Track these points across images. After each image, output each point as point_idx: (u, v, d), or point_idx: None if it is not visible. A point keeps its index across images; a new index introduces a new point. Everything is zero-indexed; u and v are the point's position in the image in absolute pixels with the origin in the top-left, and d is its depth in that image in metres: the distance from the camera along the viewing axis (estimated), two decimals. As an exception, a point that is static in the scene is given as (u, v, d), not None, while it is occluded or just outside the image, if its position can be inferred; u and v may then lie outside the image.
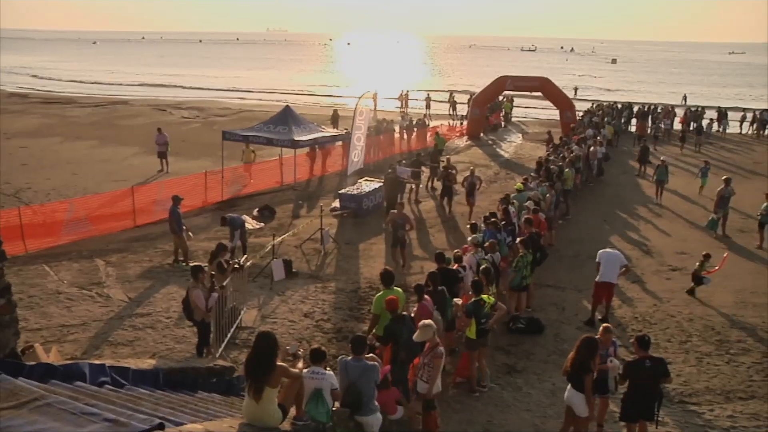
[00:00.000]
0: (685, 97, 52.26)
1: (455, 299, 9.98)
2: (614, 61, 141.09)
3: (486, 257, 12.08)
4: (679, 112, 41.91)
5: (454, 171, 20.88)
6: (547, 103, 39.49)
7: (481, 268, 11.06)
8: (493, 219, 13.90)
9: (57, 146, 31.58)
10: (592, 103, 45.48)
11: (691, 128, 38.61)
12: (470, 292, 10.04)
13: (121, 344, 11.15)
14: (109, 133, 35.89)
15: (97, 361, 8.04)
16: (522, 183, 18.22)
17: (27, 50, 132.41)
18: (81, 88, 65.56)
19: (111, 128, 38.12)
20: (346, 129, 27.61)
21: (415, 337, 8.46)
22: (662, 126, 37.46)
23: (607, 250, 12.83)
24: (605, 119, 36.12)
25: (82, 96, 56.65)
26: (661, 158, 23.27)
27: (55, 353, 9.69)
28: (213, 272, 11.08)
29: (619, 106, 42.98)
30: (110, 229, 17.89)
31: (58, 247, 16.29)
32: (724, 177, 19.21)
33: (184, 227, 15.52)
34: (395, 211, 15.82)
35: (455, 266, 11.43)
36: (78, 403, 5.65)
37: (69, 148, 31.07)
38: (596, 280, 12.56)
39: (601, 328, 8.77)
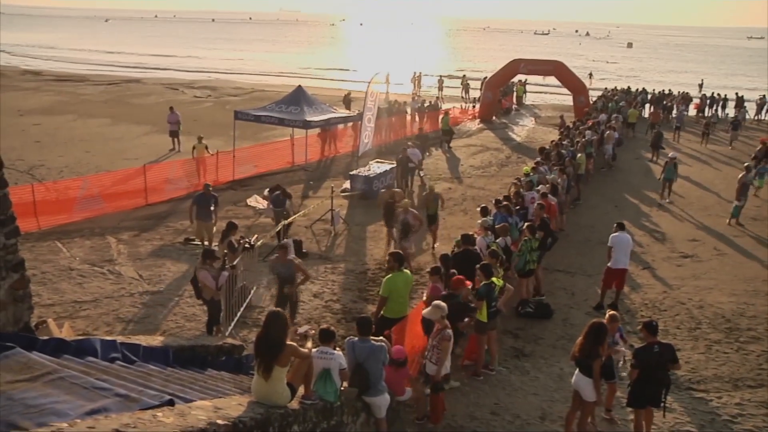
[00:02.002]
0: (701, 84, 51.61)
1: (466, 282, 9.95)
2: (630, 45, 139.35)
3: (497, 241, 12.07)
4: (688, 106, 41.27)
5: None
6: (561, 87, 39.16)
7: (488, 251, 11.05)
8: (505, 202, 13.88)
9: (70, 124, 31.71)
10: (605, 88, 45.04)
11: (707, 114, 38.30)
12: (477, 276, 10.02)
13: (132, 321, 11.25)
14: (122, 112, 35.98)
15: (108, 338, 8.13)
16: (533, 167, 18.16)
17: (39, 28, 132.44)
18: (94, 66, 65.61)
19: (123, 106, 38.22)
20: (358, 110, 27.53)
21: (424, 313, 8.53)
22: (676, 113, 37.08)
23: (618, 233, 12.68)
24: (621, 104, 35.83)
25: (95, 74, 56.74)
26: (670, 154, 21.39)
27: (68, 329, 9.78)
28: (224, 251, 11.12)
29: (634, 91, 42.58)
30: (122, 207, 17.98)
31: (71, 224, 16.40)
32: (746, 164, 18.97)
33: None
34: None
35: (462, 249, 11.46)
36: (90, 378, 5.72)
37: (82, 126, 31.18)
38: (609, 265, 12.49)
39: (607, 316, 8.74)
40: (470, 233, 11.88)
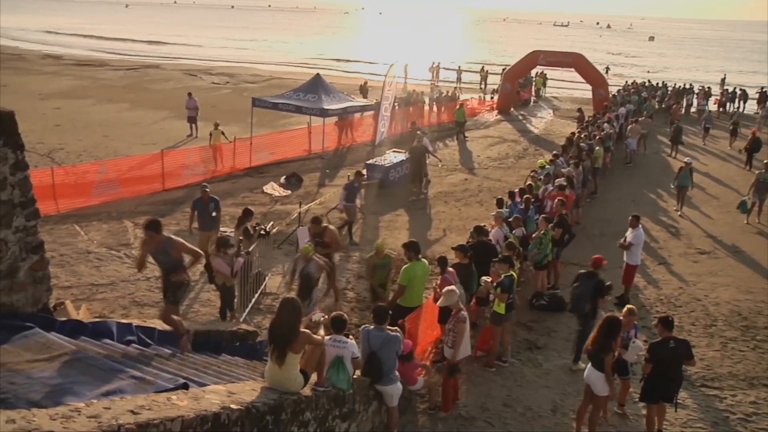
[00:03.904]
0: (723, 78, 50.86)
1: (483, 278, 9.95)
2: (652, 38, 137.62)
3: (512, 232, 12.06)
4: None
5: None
6: (580, 80, 38.82)
7: (505, 243, 11.04)
8: (527, 195, 13.88)
9: (89, 108, 31.93)
10: (626, 82, 44.56)
11: (728, 110, 37.81)
12: (494, 268, 10.01)
13: (148, 305, 11.35)
14: (140, 97, 36.17)
15: (124, 320, 8.22)
16: (550, 160, 18.07)
17: (62, 12, 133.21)
18: (113, 50, 65.95)
19: (142, 92, 38.42)
20: (376, 100, 27.50)
21: (439, 302, 8.58)
22: (695, 107, 36.67)
23: (639, 229, 12.63)
24: (642, 95, 35.52)
25: (115, 59, 57.05)
26: (686, 160, 19.65)
27: (85, 310, 9.90)
28: (240, 237, 11.17)
29: (654, 85, 42.11)
30: (139, 191, 18.11)
31: (89, 208, 16.55)
32: (766, 161, 18.70)
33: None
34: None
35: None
36: (106, 360, 5.79)
37: (101, 110, 31.39)
38: (630, 262, 12.45)
39: (625, 309, 8.70)
40: (483, 225, 11.88)
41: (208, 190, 12.72)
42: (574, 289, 10.04)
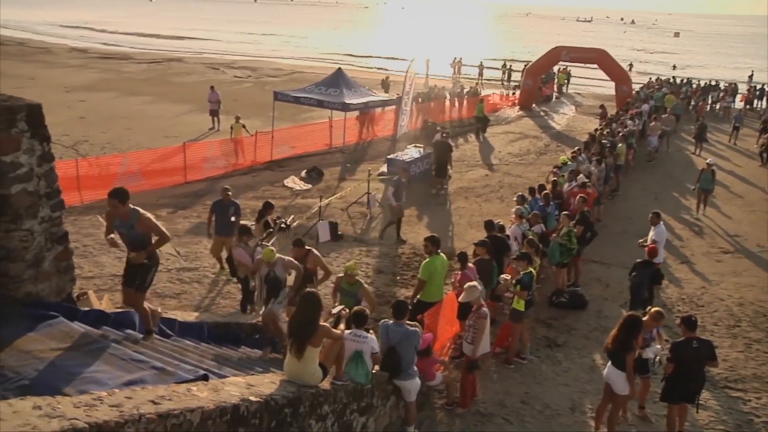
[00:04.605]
0: (751, 75, 49.99)
1: (502, 275, 9.93)
2: (677, 34, 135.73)
3: (531, 229, 12.00)
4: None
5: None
6: (603, 76, 38.44)
7: (525, 240, 10.99)
8: (546, 191, 13.80)
9: (113, 101, 32.27)
10: (649, 79, 44.01)
11: (755, 107, 37.22)
12: (513, 264, 9.99)
13: (169, 296, 11.45)
14: (163, 90, 36.48)
15: (145, 311, 8.30)
16: (572, 156, 17.93)
17: (88, 7, 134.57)
18: (137, 44, 66.51)
19: (165, 85, 38.74)
20: (397, 94, 27.48)
21: (460, 298, 8.57)
22: (721, 104, 36.12)
23: (660, 226, 12.51)
24: (662, 89, 35.09)
25: (139, 52, 57.55)
26: (708, 161, 18.81)
27: (107, 301, 10.01)
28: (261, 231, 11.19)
29: (678, 82, 41.56)
30: (161, 184, 18.28)
31: (112, 200, 16.69)
32: None
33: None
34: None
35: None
36: (128, 350, 5.86)
37: (124, 103, 31.72)
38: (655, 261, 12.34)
39: (653, 311, 8.51)
40: (492, 219, 11.88)
41: (230, 193, 12.04)
42: (632, 279, 10.62)
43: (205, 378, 5.45)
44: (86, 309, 6.97)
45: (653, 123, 25.01)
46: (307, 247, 9.61)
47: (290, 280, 8.94)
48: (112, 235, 6.84)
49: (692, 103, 37.10)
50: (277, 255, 8.76)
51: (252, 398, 5.04)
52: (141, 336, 6.85)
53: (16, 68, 40.98)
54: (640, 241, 12.66)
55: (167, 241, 7.14)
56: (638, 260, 10.81)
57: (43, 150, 6.41)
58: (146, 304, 7.08)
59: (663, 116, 26.73)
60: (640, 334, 8.02)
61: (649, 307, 8.92)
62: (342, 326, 6.82)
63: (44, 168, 6.42)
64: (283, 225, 12.11)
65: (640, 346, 8.17)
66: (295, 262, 8.94)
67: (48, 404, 3.67)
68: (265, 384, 5.71)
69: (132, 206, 6.79)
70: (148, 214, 6.91)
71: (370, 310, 9.29)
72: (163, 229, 7.01)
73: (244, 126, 21.51)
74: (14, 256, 6.22)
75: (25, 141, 6.19)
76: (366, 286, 9.54)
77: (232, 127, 21.60)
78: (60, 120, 24.78)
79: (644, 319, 8.30)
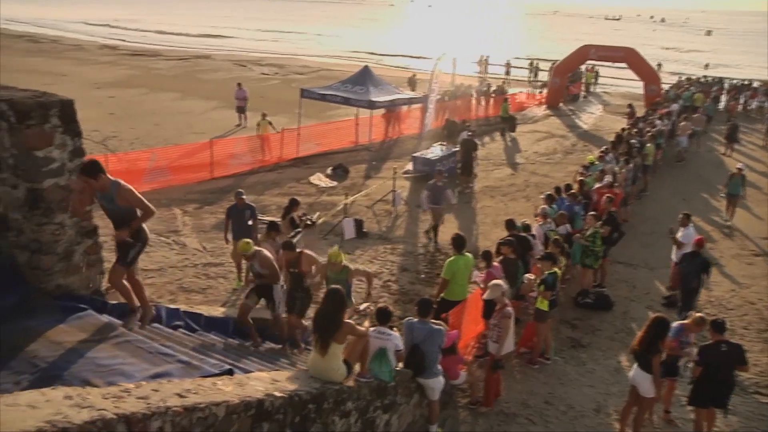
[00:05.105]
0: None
1: (526, 275, 9.89)
2: (709, 32, 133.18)
3: (555, 229, 11.93)
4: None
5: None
6: (631, 75, 37.96)
7: (551, 240, 10.92)
8: (572, 191, 13.68)
9: (142, 97, 32.69)
10: (679, 77, 43.35)
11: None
12: (539, 264, 9.95)
13: (195, 291, 11.58)
14: (191, 86, 36.84)
15: (172, 306, 8.42)
16: (599, 156, 17.75)
17: (114, 4, 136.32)
18: (166, 41, 67.26)
19: (193, 81, 39.12)
20: (423, 92, 27.43)
21: (485, 295, 8.55)
22: (755, 104, 35.43)
23: (690, 227, 12.36)
24: (691, 89, 34.56)
25: (168, 49, 58.19)
26: (738, 166, 18.09)
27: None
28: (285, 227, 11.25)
29: (710, 80, 40.89)
30: (188, 179, 18.47)
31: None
32: None
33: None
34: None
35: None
36: (154, 343, 5.93)
37: (153, 100, 32.11)
38: (678, 262, 12.18)
39: (696, 316, 8.29)
40: (513, 218, 11.83)
41: (244, 197, 11.86)
42: (682, 269, 11.27)
43: (230, 372, 5.50)
44: (114, 302, 7.07)
45: (683, 123, 24.64)
46: (298, 250, 9.13)
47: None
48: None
49: (722, 102, 36.42)
50: (255, 248, 8.40)
51: (276, 393, 5.07)
52: (121, 322, 6.33)
53: (50, 65, 41.81)
54: (672, 233, 12.50)
55: (152, 216, 6.68)
56: (686, 251, 11.32)
57: (74, 145, 6.51)
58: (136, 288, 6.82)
59: (694, 116, 26.30)
60: (679, 337, 7.93)
61: (692, 312, 8.79)
62: (366, 323, 6.84)
63: (75, 163, 6.51)
64: (308, 222, 12.15)
65: (676, 350, 8.07)
66: (271, 260, 8.43)
67: (78, 394, 3.73)
68: (290, 379, 5.75)
69: (111, 177, 6.40)
70: (130, 186, 6.49)
71: (368, 286, 9.64)
72: (147, 202, 6.58)
73: (270, 123, 21.64)
74: (46, 249, 6.33)
75: (57, 136, 6.29)
76: (355, 266, 9.10)
77: (258, 124, 21.75)
78: (90, 116, 25.09)
79: (686, 322, 8.21)
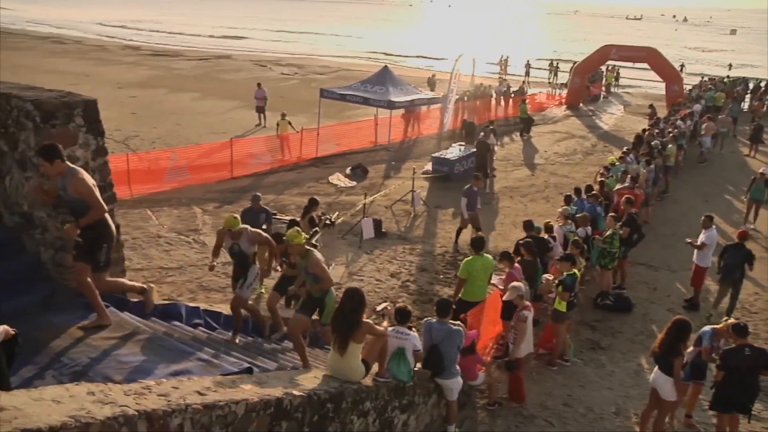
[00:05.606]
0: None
1: (545, 275, 9.86)
2: (733, 32, 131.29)
3: (575, 230, 11.85)
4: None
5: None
6: (653, 75, 37.60)
7: (571, 241, 10.86)
8: (594, 192, 13.58)
9: (163, 97, 32.99)
10: (701, 77, 42.83)
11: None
12: (557, 265, 9.90)
13: (214, 290, 11.65)
14: (211, 86, 37.10)
15: (192, 304, 8.49)
16: (620, 157, 17.59)
17: (135, 5, 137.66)
18: (187, 41, 67.82)
19: (213, 81, 39.39)
20: (443, 93, 27.39)
21: (504, 297, 8.54)
22: None
23: (713, 229, 12.22)
24: (713, 88, 34.12)
25: (189, 50, 58.67)
26: (761, 170, 17.18)
27: (155, 293, 10.25)
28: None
29: (733, 80, 40.32)
30: (208, 179, 18.58)
31: (160, 194, 17.09)
32: None
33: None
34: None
35: (545, 236, 11.39)
36: (174, 341, 5.99)
37: (173, 99, 32.39)
38: (699, 264, 12.04)
39: (730, 322, 8.03)
40: (531, 220, 11.79)
41: (260, 200, 11.73)
42: (725, 260, 11.46)
43: (249, 371, 5.54)
44: (135, 300, 7.15)
45: (706, 123, 24.34)
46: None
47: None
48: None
49: (746, 102, 35.89)
50: (242, 225, 7.87)
51: (295, 392, 5.09)
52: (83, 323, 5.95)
53: (73, 65, 42.36)
54: (689, 240, 12.37)
55: (99, 215, 5.95)
56: (729, 243, 11.72)
57: (97, 144, 6.60)
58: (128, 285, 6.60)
59: (719, 117, 25.95)
60: (711, 342, 7.85)
61: (725, 318, 8.68)
62: (385, 323, 6.84)
63: (98, 162, 6.60)
64: (327, 221, 12.19)
65: (708, 355, 7.98)
66: (264, 234, 8.10)
67: (101, 391, 3.78)
68: (309, 379, 5.77)
69: (70, 165, 5.88)
70: (85, 177, 5.87)
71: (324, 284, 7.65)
72: (99, 199, 5.97)
73: (290, 123, 21.74)
74: (69, 247, 6.41)
75: (81, 135, 6.38)
76: (316, 254, 7.55)
77: (278, 124, 21.86)
78: (113, 115, 25.43)
79: (718, 327, 8.11)
